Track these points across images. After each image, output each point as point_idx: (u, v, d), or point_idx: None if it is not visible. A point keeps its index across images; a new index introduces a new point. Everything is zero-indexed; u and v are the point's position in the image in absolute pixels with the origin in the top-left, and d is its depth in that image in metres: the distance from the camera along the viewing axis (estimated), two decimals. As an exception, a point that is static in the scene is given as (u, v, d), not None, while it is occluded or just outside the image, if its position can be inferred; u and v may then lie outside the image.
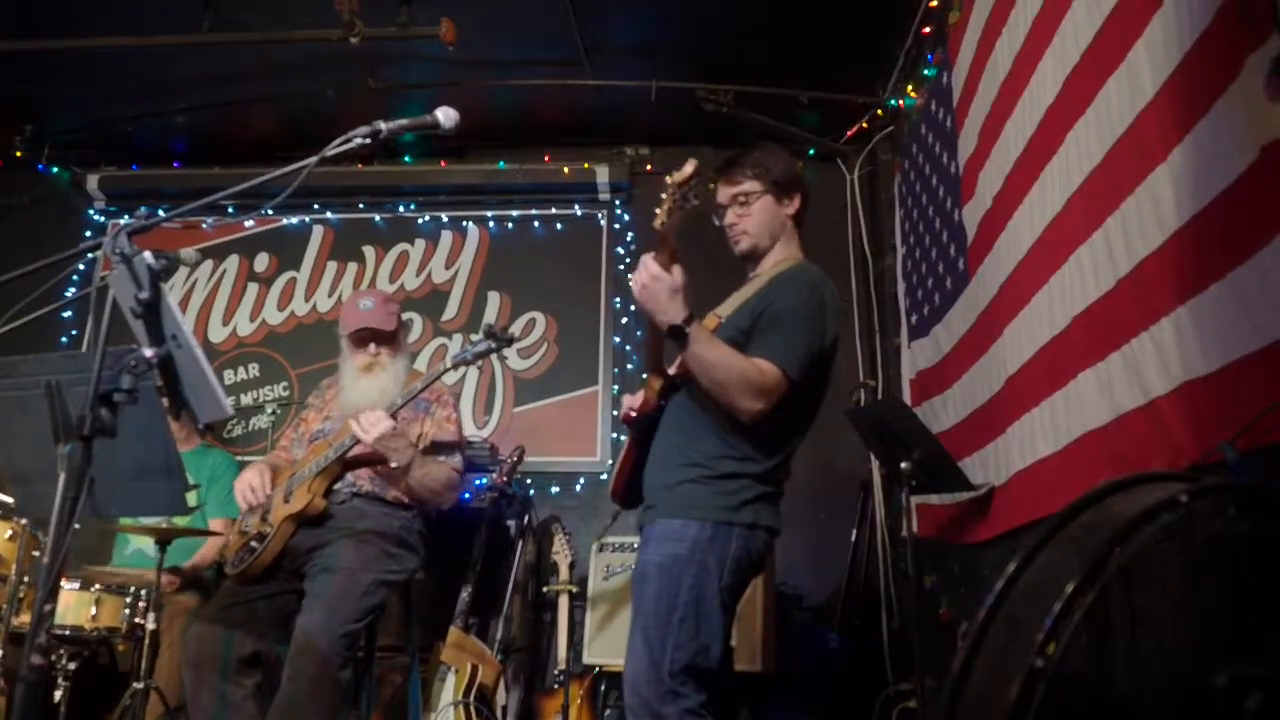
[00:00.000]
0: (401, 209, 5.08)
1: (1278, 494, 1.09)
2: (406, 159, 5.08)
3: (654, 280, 1.97)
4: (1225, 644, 1.04)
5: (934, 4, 3.69)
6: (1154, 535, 1.05)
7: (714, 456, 2.10)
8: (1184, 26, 1.77)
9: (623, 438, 4.58)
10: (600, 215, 4.98)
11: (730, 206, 2.32)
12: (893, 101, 4.36)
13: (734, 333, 2.15)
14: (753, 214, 2.29)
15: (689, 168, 1.91)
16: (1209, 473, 1.64)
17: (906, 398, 4.02)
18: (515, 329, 4.82)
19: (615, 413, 4.69)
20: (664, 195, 1.95)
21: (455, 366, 2.87)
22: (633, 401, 2.28)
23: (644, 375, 2.33)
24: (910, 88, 4.15)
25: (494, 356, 3.29)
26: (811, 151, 4.83)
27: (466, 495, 3.88)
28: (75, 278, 4.42)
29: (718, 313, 2.25)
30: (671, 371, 2.23)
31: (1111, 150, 2.09)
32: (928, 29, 3.81)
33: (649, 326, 2.15)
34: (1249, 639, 1.06)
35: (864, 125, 4.60)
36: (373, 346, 3.02)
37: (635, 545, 3.91)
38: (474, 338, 2.93)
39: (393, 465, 2.83)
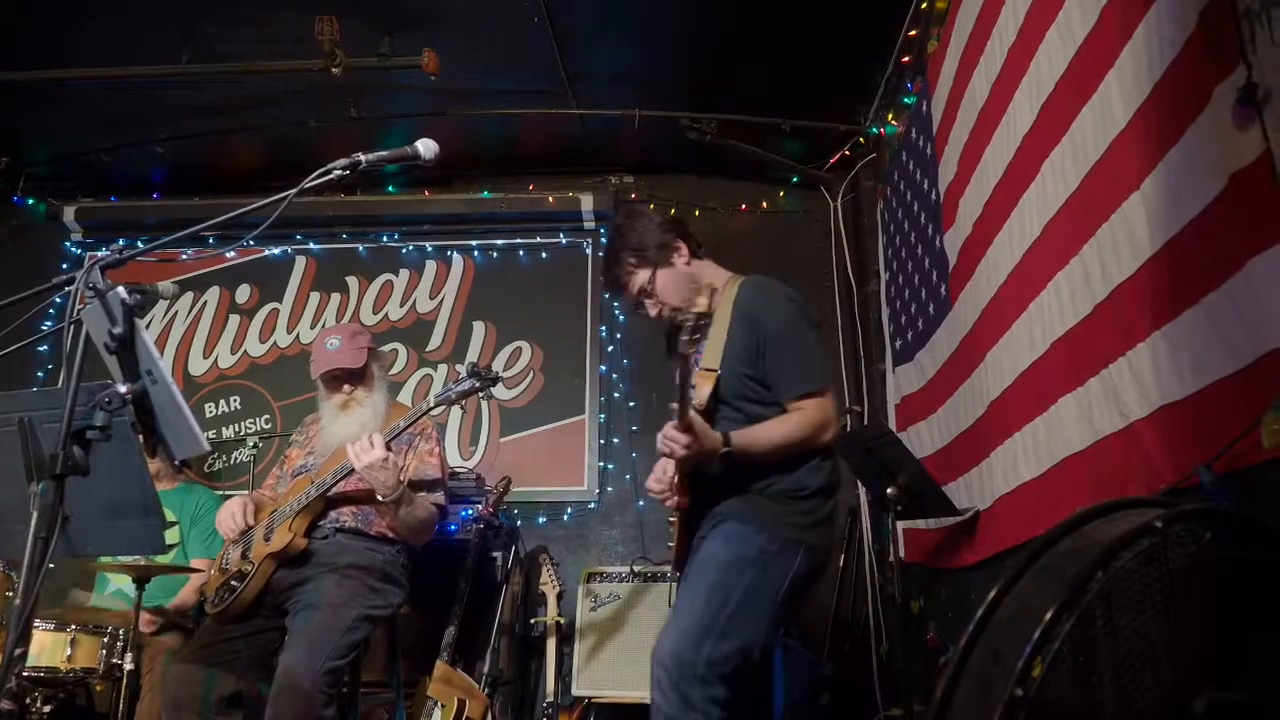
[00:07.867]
0: (385, 239, 5.07)
1: (1250, 519, 1.10)
2: (390, 189, 5.07)
3: (686, 448, 2.04)
4: (1203, 668, 1.04)
5: (913, 33, 3.74)
6: (1131, 561, 1.05)
7: (787, 474, 2.19)
8: (1154, 57, 1.80)
9: (610, 466, 4.61)
10: (585, 244, 4.98)
11: (641, 303, 2.42)
12: (874, 129, 4.41)
13: (740, 379, 2.24)
14: (659, 293, 2.38)
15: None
16: (1186, 495, 1.65)
17: (891, 423, 4.02)
18: (501, 358, 4.80)
19: (602, 441, 4.67)
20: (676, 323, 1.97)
21: (438, 405, 2.85)
22: (661, 482, 2.32)
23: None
24: (891, 115, 4.20)
25: (478, 387, 3.28)
26: (795, 179, 4.87)
27: (453, 527, 3.84)
28: (52, 311, 4.37)
29: (706, 366, 2.29)
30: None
31: (1086, 178, 2.12)
32: (907, 58, 3.85)
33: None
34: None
35: (846, 152, 4.63)
36: (346, 386, 3.00)
37: (622, 575, 3.92)
38: (461, 372, 2.90)
39: (378, 497, 2.80)
